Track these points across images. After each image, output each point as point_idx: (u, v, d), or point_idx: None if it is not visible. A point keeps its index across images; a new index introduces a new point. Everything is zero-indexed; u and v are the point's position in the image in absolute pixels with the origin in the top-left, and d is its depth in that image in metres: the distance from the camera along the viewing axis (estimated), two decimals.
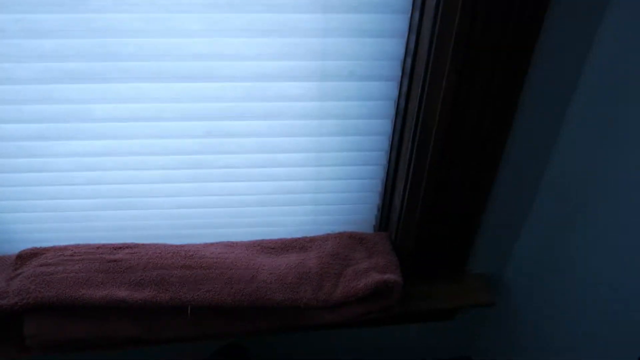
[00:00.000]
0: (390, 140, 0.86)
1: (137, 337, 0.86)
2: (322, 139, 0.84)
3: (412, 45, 0.73)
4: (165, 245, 0.91)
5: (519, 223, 0.90)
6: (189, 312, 0.84)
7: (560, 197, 0.80)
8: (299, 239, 0.95)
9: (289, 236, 0.96)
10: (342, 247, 0.93)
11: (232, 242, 0.95)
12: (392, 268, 0.89)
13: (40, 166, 0.85)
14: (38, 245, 0.93)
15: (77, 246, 0.92)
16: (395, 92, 0.79)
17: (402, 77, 0.78)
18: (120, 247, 0.91)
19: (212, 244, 0.94)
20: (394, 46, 0.75)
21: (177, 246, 0.91)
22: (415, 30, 0.72)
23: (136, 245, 0.91)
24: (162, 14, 0.69)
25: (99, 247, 0.91)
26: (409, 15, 0.72)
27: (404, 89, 0.78)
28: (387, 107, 0.81)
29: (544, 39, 0.66)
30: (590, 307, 0.77)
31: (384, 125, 0.83)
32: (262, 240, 0.95)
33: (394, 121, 0.83)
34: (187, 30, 0.71)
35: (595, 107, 0.69)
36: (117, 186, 0.88)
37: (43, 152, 0.83)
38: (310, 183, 0.91)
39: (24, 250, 0.92)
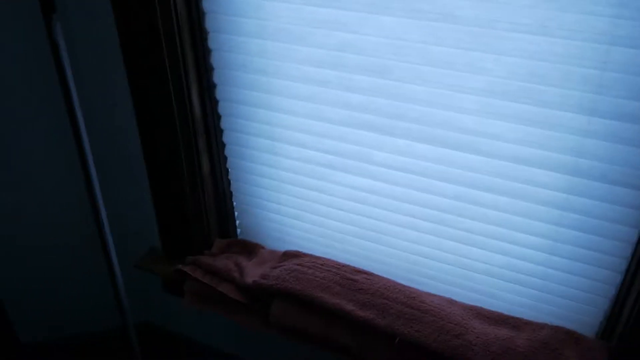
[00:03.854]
0: (634, 249, 0.85)
1: (348, 348, 1.01)
2: (561, 229, 0.88)
3: None
4: (394, 282, 1.05)
5: None
6: (396, 342, 0.96)
7: None
8: (515, 317, 0.99)
9: (505, 311, 1.00)
10: (555, 340, 0.94)
11: (452, 300, 1.04)
12: None
13: (322, 188, 1.07)
14: (300, 249, 1.16)
15: (327, 259, 1.12)
16: None
17: None
18: (359, 271, 1.08)
19: (433, 295, 1.04)
20: None
21: (403, 285, 1.04)
22: None
23: (372, 274, 1.07)
24: (446, 91, 0.85)
25: (343, 265, 1.10)
26: None
27: None
28: (634, 216, 0.82)
29: None
30: None
31: (628, 233, 0.84)
32: (480, 307, 1.01)
33: None
34: (463, 107, 0.85)
35: None
36: (372, 221, 1.06)
37: (327, 177, 1.05)
38: (541, 269, 0.95)
39: (289, 250, 1.17)
